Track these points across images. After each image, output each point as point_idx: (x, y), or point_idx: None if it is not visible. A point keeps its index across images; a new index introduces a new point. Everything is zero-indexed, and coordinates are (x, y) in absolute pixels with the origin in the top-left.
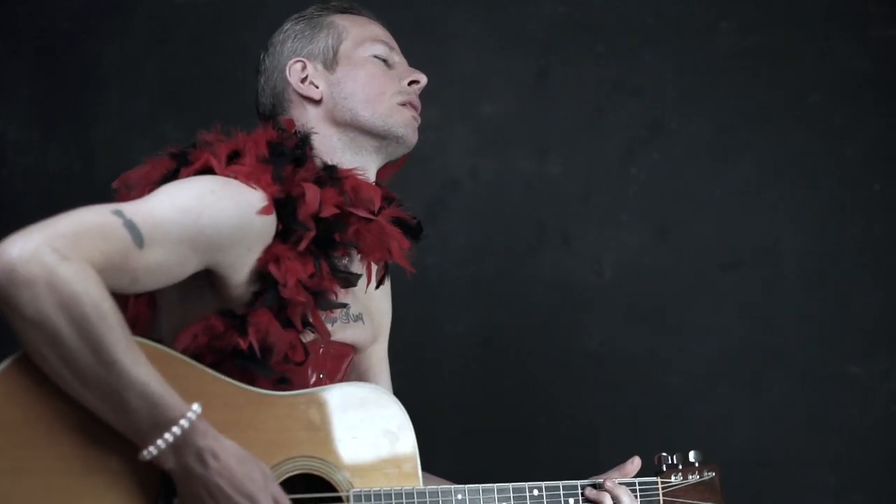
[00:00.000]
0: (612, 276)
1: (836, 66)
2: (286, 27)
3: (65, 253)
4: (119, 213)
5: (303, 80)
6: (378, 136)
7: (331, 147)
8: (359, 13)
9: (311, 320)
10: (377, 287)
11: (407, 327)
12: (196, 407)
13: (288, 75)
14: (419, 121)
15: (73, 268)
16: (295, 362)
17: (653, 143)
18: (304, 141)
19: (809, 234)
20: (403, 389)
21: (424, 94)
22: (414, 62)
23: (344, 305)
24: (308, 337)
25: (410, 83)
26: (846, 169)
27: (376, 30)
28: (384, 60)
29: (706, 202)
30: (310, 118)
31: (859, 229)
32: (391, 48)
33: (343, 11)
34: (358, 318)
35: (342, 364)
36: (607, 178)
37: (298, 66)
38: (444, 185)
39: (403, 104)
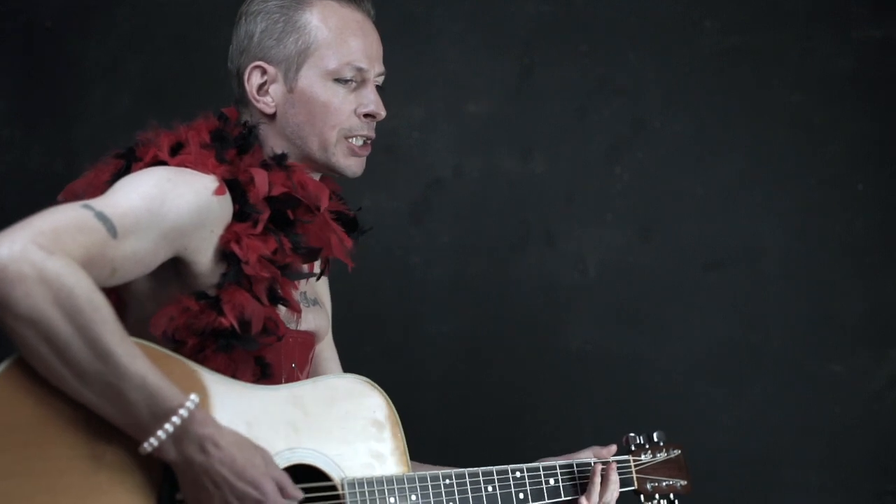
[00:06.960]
0: (596, 275)
1: (819, 66)
2: (268, 4)
3: (50, 249)
4: (88, 207)
5: (260, 88)
6: (322, 166)
7: (276, 148)
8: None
9: (280, 293)
10: (318, 278)
11: (391, 326)
12: (194, 396)
13: (245, 80)
14: (368, 151)
15: (61, 262)
16: (277, 335)
17: (636, 143)
18: (249, 132)
19: (792, 234)
20: (388, 388)
21: (410, 94)
22: (399, 62)
23: (313, 275)
24: (281, 314)
25: (366, 115)
26: (829, 168)
27: (350, 43)
28: (348, 80)
29: (690, 201)
30: (261, 125)
31: (842, 229)
32: (358, 68)
33: None
34: (315, 302)
35: (308, 353)
36: (591, 178)
37: (258, 72)
38: (429, 185)
39: (350, 138)
